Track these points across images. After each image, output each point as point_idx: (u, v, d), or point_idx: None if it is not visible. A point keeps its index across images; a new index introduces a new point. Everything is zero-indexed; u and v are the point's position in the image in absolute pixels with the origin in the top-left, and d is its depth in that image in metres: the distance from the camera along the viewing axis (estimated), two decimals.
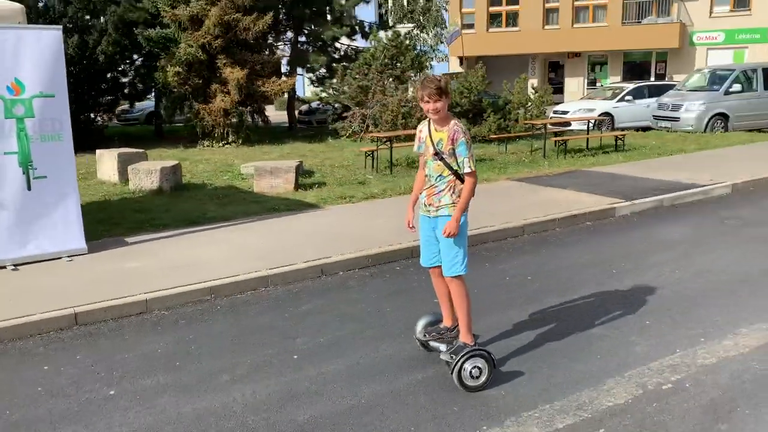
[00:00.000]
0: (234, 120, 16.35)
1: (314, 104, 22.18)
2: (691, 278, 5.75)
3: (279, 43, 19.58)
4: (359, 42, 20.56)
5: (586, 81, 30.70)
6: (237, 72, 15.73)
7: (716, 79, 17.60)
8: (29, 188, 6.15)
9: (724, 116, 16.74)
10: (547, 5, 29.71)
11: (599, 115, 18.08)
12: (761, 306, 5.01)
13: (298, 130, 21.07)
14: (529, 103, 16.32)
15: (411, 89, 16.39)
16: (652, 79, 27.76)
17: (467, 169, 3.90)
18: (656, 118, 17.75)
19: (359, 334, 4.72)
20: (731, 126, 16.77)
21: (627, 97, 19.02)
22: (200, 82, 16.30)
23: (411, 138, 12.76)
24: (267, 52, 17.60)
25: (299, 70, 20.11)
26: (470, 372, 3.78)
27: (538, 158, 12.79)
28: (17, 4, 6.29)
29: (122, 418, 3.66)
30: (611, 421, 3.48)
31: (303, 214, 8.18)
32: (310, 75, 20.45)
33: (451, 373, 3.78)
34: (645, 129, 17.82)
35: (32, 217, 6.19)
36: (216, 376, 4.16)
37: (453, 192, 3.97)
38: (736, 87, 16.95)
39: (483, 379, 3.83)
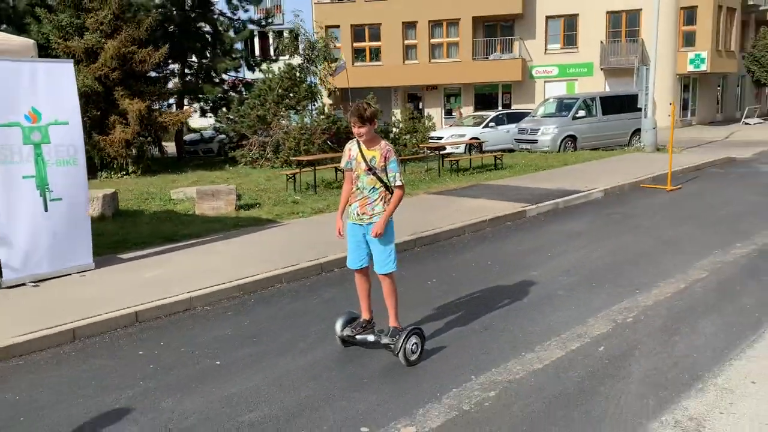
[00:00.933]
0: (134, 151, 16.48)
1: (208, 133, 22.53)
2: (608, 254, 7.54)
3: (166, 75, 19.83)
4: (242, 73, 21.36)
5: (443, 111, 33.64)
6: (137, 103, 15.98)
7: (563, 106, 20.67)
8: (46, 209, 6.57)
9: (573, 138, 19.72)
10: (407, 42, 32.34)
11: (470, 139, 20.38)
12: (663, 270, 6.85)
13: (188, 160, 21.31)
14: (410, 130, 18.17)
15: (307, 118, 17.55)
16: (500, 107, 31.22)
17: (398, 183, 4.56)
18: (518, 141, 20.40)
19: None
20: (579, 146, 19.78)
21: (491, 124, 21.58)
22: (98, 113, 16.29)
23: (332, 161, 13.97)
24: (160, 84, 17.89)
25: (186, 101, 20.45)
26: (411, 348, 4.52)
27: (434, 176, 14.51)
28: (29, 40, 6.73)
29: (249, 374, 4.53)
30: (605, 341, 4.97)
31: (270, 228, 9.08)
32: (197, 106, 20.85)
33: (397, 354, 4.49)
34: (509, 151, 20.35)
35: (48, 236, 6.60)
36: (294, 344, 5.11)
37: (384, 201, 4.58)
38: (581, 113, 20.06)
39: (419, 351, 4.59)
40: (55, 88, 6.56)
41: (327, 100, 28.97)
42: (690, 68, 29.43)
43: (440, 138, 20.78)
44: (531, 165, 16.03)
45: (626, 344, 4.89)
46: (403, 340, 4.49)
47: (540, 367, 4.53)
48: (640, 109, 19.90)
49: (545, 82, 31.73)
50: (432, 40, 32.03)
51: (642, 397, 4.04)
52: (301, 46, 18.48)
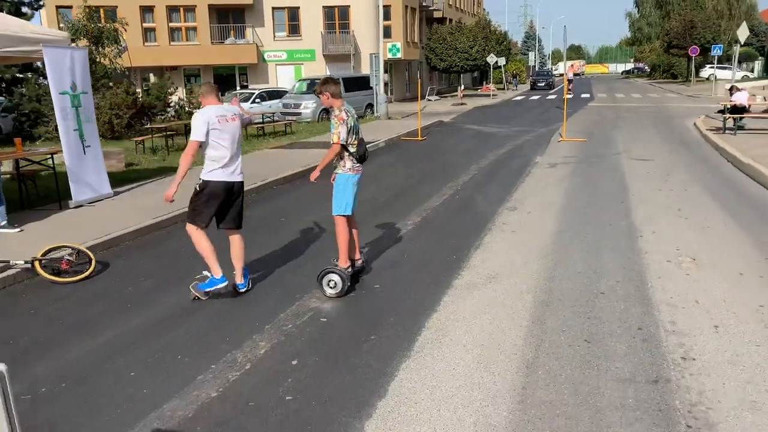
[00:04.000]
0: None
1: None
2: (420, 171, 12.77)
3: None
4: None
5: (184, 90, 35.97)
6: None
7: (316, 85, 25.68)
8: (84, 153, 9.24)
9: (327, 111, 24.87)
10: (145, 25, 33.92)
11: None
12: (456, 172, 12.28)
13: None
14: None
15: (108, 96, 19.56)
16: (238, 87, 35.02)
17: (334, 139, 5.37)
18: (284, 113, 24.83)
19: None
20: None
21: (257, 100, 25.61)
22: None
23: (174, 129, 16.74)
24: None
25: None
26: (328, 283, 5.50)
27: (252, 140, 18.30)
28: (65, 32, 9.11)
29: (308, 217, 8.53)
30: (467, 185, 10.07)
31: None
32: None
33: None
34: (275, 121, 24.66)
35: (87, 172, 9.28)
36: (303, 207, 9.16)
37: (340, 158, 5.50)
38: None
39: (338, 289, 5.49)
40: (81, 67, 9.21)
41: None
42: (389, 56, 36.81)
43: None
44: (310, 130, 20.73)
45: (474, 187, 10.08)
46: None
47: (450, 194, 9.45)
48: (370, 88, 26.01)
49: (276, 65, 36.40)
50: (171, 24, 34.19)
51: (497, 195, 9.21)
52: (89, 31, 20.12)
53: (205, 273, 5.67)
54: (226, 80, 36.35)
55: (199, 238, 5.53)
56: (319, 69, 35.78)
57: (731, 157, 12.64)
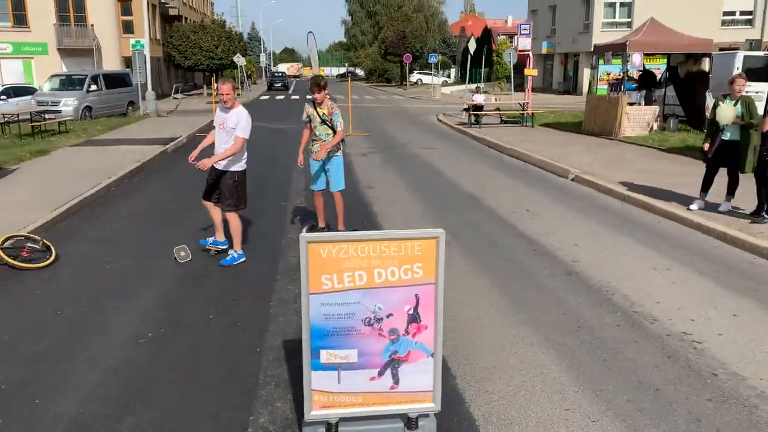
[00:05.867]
0: None
1: None
2: (254, 162, 13.87)
3: None
4: None
5: None
6: None
7: (74, 82, 24.22)
8: None
9: (89, 108, 23.74)
10: None
11: None
12: (289, 162, 13.69)
13: None
14: None
15: None
16: None
17: (340, 127, 6.63)
18: (39, 112, 22.96)
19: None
20: (94, 114, 23.91)
21: (2, 97, 23.25)
22: None
23: None
24: None
25: None
26: None
27: (29, 139, 17.09)
28: None
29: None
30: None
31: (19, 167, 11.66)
32: None
33: None
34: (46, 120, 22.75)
35: None
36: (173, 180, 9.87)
37: (339, 145, 6.85)
38: (93, 87, 24.15)
39: None
40: None
41: None
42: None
43: None
44: (89, 128, 19.86)
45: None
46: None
47: (305, 181, 10.87)
48: (130, 85, 25.50)
49: (1, 59, 32.64)
50: None
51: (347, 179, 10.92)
52: None
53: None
54: None
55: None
56: (54, 64, 33.07)
57: (491, 143, 16.21)
